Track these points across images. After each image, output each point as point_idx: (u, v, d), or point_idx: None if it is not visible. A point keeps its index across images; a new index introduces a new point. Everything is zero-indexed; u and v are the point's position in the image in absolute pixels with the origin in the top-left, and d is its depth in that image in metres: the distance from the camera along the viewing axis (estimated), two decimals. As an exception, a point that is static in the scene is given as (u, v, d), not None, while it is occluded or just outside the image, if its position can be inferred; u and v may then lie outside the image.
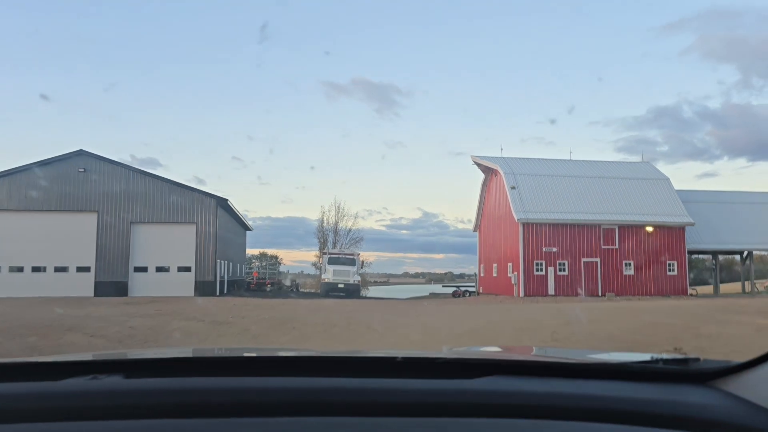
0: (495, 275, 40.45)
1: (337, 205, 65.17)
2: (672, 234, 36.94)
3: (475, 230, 45.41)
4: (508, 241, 38.12)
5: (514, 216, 36.04)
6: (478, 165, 41.61)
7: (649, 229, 36.67)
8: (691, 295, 36.72)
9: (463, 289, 48.03)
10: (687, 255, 37.32)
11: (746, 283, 41.33)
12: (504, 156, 40.45)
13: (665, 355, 1.57)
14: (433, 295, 49.70)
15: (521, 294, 35.56)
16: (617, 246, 36.49)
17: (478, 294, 44.07)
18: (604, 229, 36.50)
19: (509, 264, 37.63)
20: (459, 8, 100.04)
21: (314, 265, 45.87)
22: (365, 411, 1.30)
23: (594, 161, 41.31)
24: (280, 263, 75.28)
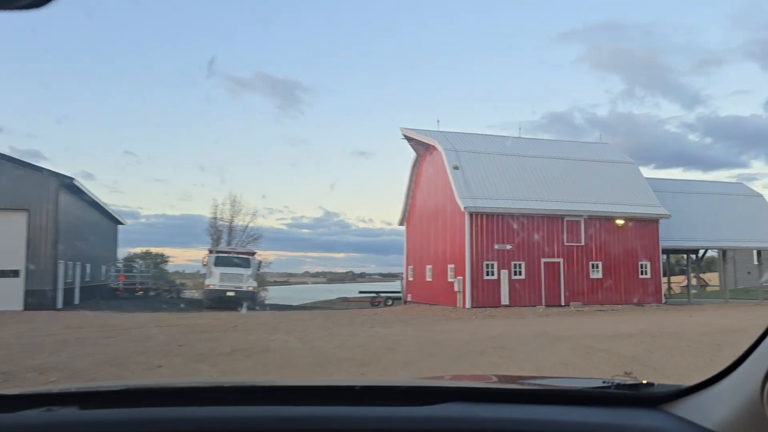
0: (429, 279, 32.08)
1: (232, 198, 54.70)
2: (645, 229, 30.20)
3: (402, 224, 36.85)
4: (449, 236, 29.86)
5: (459, 204, 27.78)
6: (410, 140, 33.07)
7: (620, 222, 29.70)
8: (667, 296, 30.11)
9: (384, 295, 39.36)
10: (661, 254, 30.71)
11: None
12: (442, 130, 32.20)
13: (617, 380, 1.65)
14: (344, 302, 40.72)
15: (467, 304, 27.33)
16: (583, 243, 29.20)
17: (405, 302, 35.54)
18: (567, 221, 29.10)
19: (450, 266, 29.36)
20: (363, 8, 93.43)
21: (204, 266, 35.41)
22: None
23: (549, 140, 34.04)
24: (166, 263, 64.21)
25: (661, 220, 30.41)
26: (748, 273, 47.65)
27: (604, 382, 1.67)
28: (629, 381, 1.62)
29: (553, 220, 28.80)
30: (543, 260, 28.45)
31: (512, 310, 26.61)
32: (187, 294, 46.58)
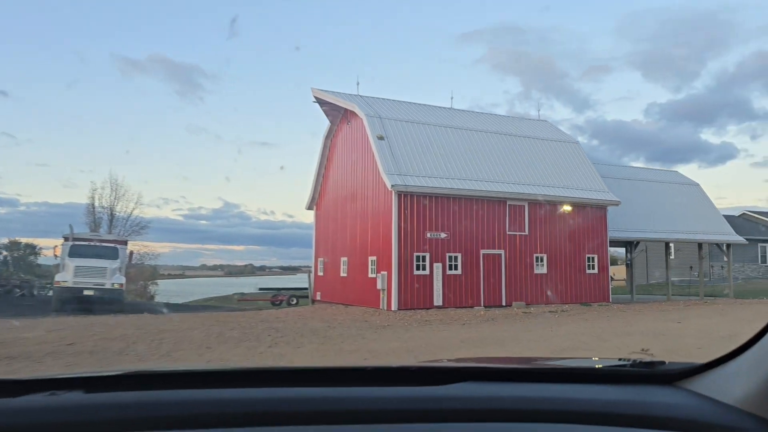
0: (344, 275, 26.59)
1: (113, 181, 46.75)
2: (592, 217, 26.41)
3: (310, 207, 30.98)
4: (371, 221, 24.51)
5: (385, 181, 22.49)
6: (322, 105, 27.24)
7: (567, 208, 25.69)
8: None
9: (287, 292, 33.40)
10: (609, 246, 27.08)
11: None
12: (363, 95, 26.70)
13: (632, 359, 1.63)
14: (240, 300, 34.36)
15: (393, 306, 22.14)
16: (527, 231, 24.88)
17: (313, 302, 29.84)
18: (510, 206, 24.65)
19: (372, 258, 24.04)
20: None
21: (56, 257, 27.89)
22: (337, 419, 1.29)
23: (486, 113, 29.51)
24: (37, 255, 55.01)
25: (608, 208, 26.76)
26: (690, 268, 46.30)
27: (619, 360, 1.68)
28: (645, 358, 1.61)
29: (494, 204, 24.23)
30: (482, 252, 23.84)
31: (448, 313, 21.75)
32: (48, 292, 38.24)
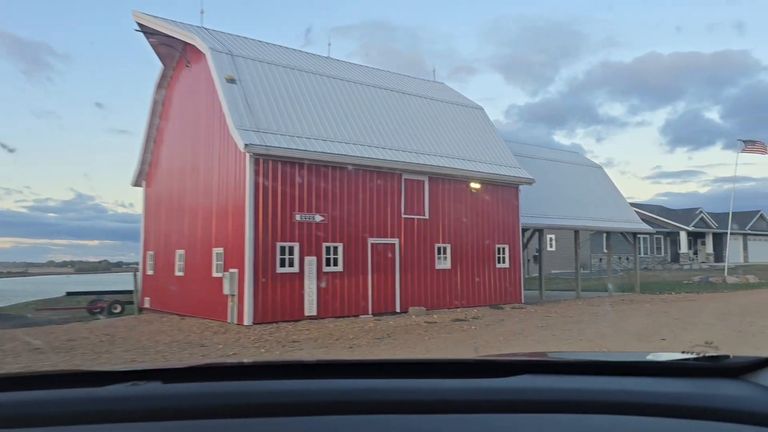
0: (181, 274, 19.28)
1: None
2: (503, 198, 21.34)
3: (138, 183, 23.04)
4: (217, 199, 17.51)
5: (236, 141, 15.64)
6: (150, 36, 19.51)
7: (475, 185, 20.37)
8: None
9: (109, 298, 25.19)
10: (521, 234, 22.18)
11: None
12: (209, 28, 19.44)
13: (695, 353, 1.60)
14: (39, 310, 25.59)
15: (246, 318, 15.39)
16: (427, 215, 19.19)
17: (141, 310, 22.09)
18: (407, 181, 18.79)
19: (217, 250, 17.08)
20: None
21: None
22: (401, 409, 1.31)
23: (371, 67, 23.41)
24: None
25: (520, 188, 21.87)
26: (600, 260, 43.73)
27: (682, 353, 1.65)
28: (708, 352, 1.58)
29: (386, 178, 18.25)
30: (371, 241, 17.78)
31: (324, 327, 15.46)
32: None
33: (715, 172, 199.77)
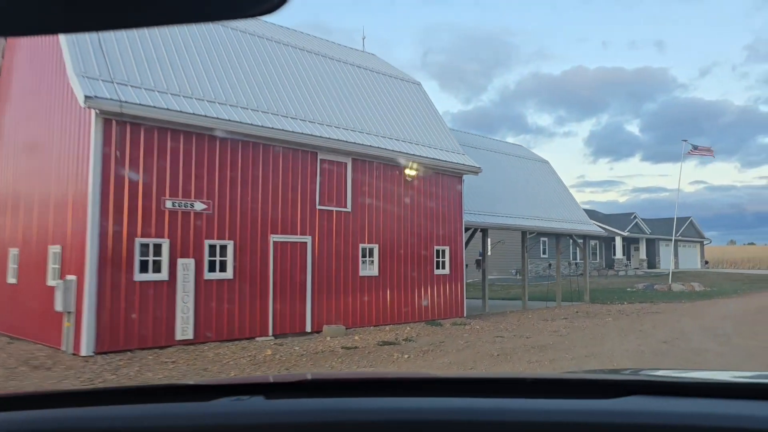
0: (14, 281, 14.23)
1: None
2: (445, 190, 17.53)
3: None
4: (54, 179, 12.70)
5: (75, 92, 10.97)
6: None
7: (411, 172, 16.43)
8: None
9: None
10: (464, 234, 18.42)
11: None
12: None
13: None
14: None
15: (86, 346, 10.73)
16: (349, 207, 15.06)
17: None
18: (324, 162, 14.60)
19: (54, 249, 12.30)
20: None
21: None
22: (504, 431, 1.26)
23: (281, 26, 19.03)
24: None
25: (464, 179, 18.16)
26: (549, 266, 40.68)
27: None
28: None
29: (297, 156, 13.99)
30: (273, 238, 13.46)
31: (203, 355, 11.08)
32: None
33: (634, 183, 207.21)
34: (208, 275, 12.27)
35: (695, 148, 33.65)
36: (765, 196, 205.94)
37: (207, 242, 12.31)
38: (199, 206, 12.22)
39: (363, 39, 21.26)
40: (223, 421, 1.29)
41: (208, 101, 12.55)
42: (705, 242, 63.72)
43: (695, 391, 1.42)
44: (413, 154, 16.12)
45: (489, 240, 38.86)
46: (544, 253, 46.11)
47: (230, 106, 12.90)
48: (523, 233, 22.19)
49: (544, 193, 24.55)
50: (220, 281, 12.45)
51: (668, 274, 40.19)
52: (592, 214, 56.61)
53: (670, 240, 57.34)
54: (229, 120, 12.54)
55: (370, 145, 15.14)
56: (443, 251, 17.20)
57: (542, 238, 45.48)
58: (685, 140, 34.01)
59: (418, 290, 16.33)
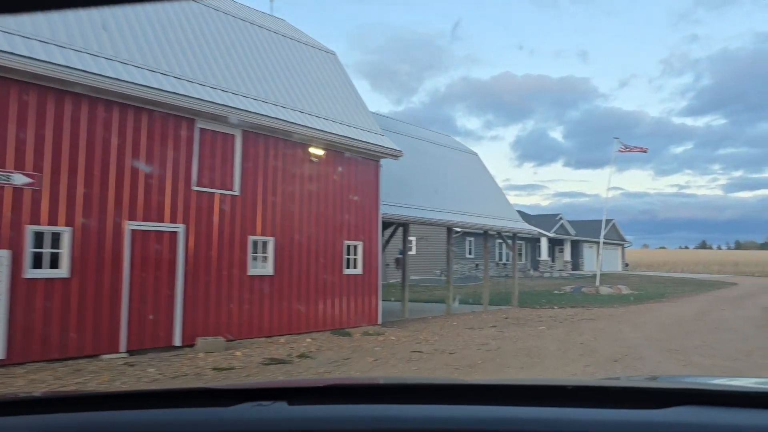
0: None
1: None
2: (359, 175, 14.93)
3: None
4: None
5: None
6: None
7: (318, 152, 13.70)
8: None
9: None
10: (381, 227, 15.89)
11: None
12: None
13: None
14: None
15: None
16: (237, 190, 12.18)
17: None
18: (205, 132, 11.66)
19: None
20: None
21: None
22: None
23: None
24: None
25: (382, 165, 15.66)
26: (476, 266, 38.52)
27: None
28: None
29: (166, 120, 10.99)
30: (130, 226, 10.42)
31: (10, 383, 7.95)
32: None
33: (556, 187, 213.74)
34: (31, 272, 9.13)
35: (627, 146, 32.84)
36: (675, 203, 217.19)
37: (31, 228, 9.16)
38: (19, 179, 9.05)
39: (271, 1, 18.31)
40: (244, 427, 1.23)
41: (40, 41, 9.39)
42: (626, 245, 64.51)
43: (753, 402, 1.31)
44: (321, 130, 13.43)
45: (412, 237, 36.44)
46: (470, 252, 44.45)
47: (73, 50, 9.77)
48: (449, 230, 19.94)
49: (472, 187, 22.49)
50: (49, 281, 9.32)
51: (593, 276, 39.52)
52: (520, 214, 55.86)
53: (594, 242, 57.38)
54: (70, 67, 9.43)
55: (266, 115, 12.33)
56: (355, 247, 14.61)
57: (468, 238, 43.89)
58: (617, 138, 33.16)
59: (322, 293, 13.66)
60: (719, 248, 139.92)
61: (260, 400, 1.36)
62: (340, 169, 14.20)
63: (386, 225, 17.99)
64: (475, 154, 25.24)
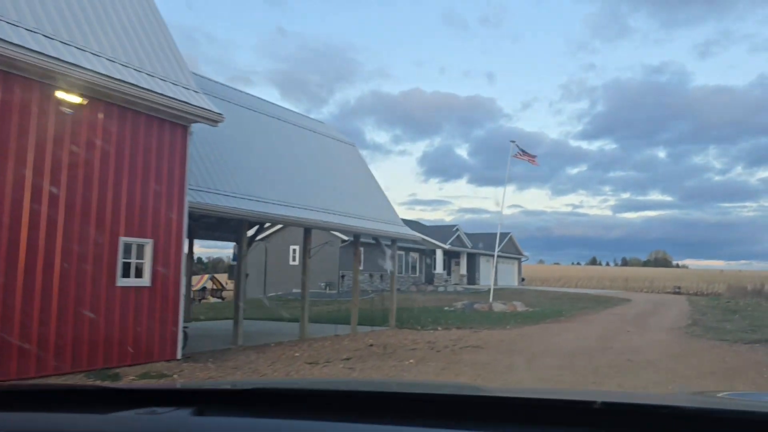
0: None
1: None
2: (153, 142, 10.34)
3: None
4: None
5: None
6: None
7: (74, 98, 9.02)
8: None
9: None
10: (186, 221, 11.33)
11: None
12: None
13: None
14: None
15: None
16: None
17: None
18: None
19: None
20: None
21: None
22: None
23: None
24: None
25: (195, 135, 11.23)
26: (370, 276, 34.14)
27: None
28: None
29: None
30: None
31: None
32: None
33: (460, 203, 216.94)
34: None
35: (523, 152, 30.29)
36: (569, 221, 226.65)
37: None
38: None
39: None
40: None
41: None
42: (523, 259, 63.32)
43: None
44: (79, 66, 8.77)
45: (296, 246, 32.26)
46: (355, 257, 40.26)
47: None
48: (307, 231, 15.66)
49: (346, 183, 18.48)
50: None
51: (488, 291, 36.74)
52: (415, 225, 52.68)
53: (491, 255, 55.29)
54: None
55: (21, 51, 7.56)
56: (141, 247, 9.97)
57: (360, 246, 39.92)
58: (513, 141, 30.55)
59: (77, 315, 8.92)
60: (608, 264, 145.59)
61: (161, 405, 1.04)
62: (118, 131, 9.58)
63: (251, 224, 13.70)
64: (353, 145, 21.28)
